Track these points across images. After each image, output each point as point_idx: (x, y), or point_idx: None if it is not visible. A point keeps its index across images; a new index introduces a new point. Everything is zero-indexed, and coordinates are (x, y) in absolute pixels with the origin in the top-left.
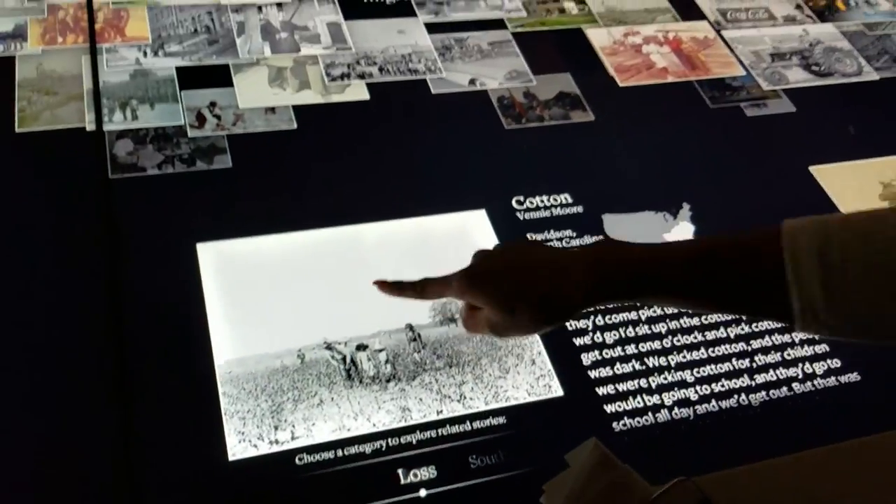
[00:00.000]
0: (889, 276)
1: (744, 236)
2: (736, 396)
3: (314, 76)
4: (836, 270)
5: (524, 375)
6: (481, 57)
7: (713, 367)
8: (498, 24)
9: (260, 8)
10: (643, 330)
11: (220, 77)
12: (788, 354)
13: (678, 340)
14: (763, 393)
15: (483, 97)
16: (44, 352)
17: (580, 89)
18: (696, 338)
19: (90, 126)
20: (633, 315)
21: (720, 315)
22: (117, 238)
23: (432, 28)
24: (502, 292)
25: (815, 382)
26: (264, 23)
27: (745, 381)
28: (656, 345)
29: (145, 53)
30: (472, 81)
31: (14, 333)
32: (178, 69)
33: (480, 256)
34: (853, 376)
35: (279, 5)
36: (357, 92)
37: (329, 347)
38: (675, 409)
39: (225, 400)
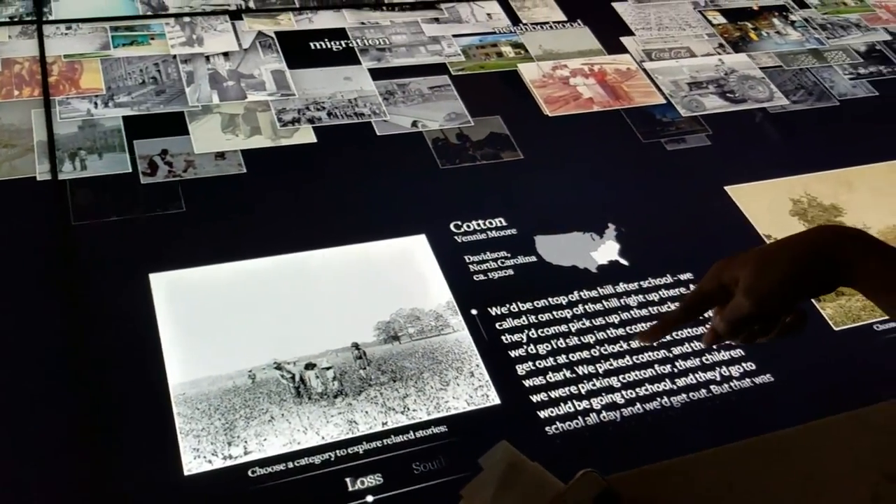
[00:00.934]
0: None
1: None
2: (659, 399)
3: (264, 122)
4: None
5: (463, 387)
6: (422, 100)
7: (638, 373)
8: (440, 69)
9: (208, 58)
10: (573, 341)
11: (172, 125)
12: (706, 359)
13: (605, 349)
14: (684, 395)
15: (422, 138)
16: (3, 382)
17: (513, 126)
18: (621, 346)
19: (41, 176)
20: (563, 328)
21: (644, 323)
22: (76, 275)
23: (376, 74)
24: (756, 254)
25: (732, 384)
26: (212, 72)
27: (667, 384)
28: (585, 354)
29: (96, 105)
30: (414, 123)
31: None
32: (129, 119)
33: None
34: (766, 377)
35: (226, 55)
36: (305, 135)
37: (279, 367)
38: (604, 412)
39: (180, 420)
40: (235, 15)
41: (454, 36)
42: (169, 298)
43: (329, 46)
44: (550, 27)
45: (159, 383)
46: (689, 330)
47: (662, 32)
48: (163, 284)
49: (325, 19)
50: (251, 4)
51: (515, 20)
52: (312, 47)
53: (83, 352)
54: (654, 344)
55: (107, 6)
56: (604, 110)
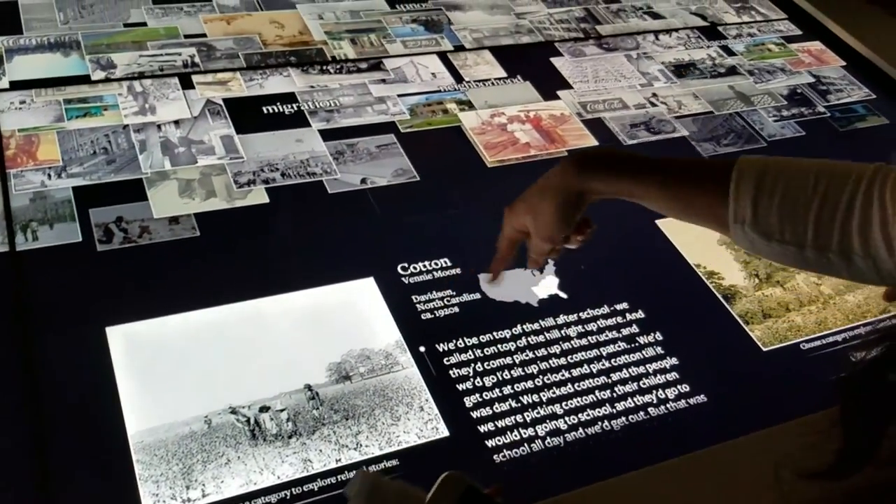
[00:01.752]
0: (794, 208)
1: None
2: (600, 423)
3: (219, 185)
4: (764, 196)
5: (414, 421)
6: (370, 159)
7: (579, 399)
8: (389, 127)
9: (159, 126)
10: (517, 372)
11: (127, 193)
12: (643, 384)
13: (548, 379)
14: (623, 419)
15: (371, 194)
16: None
17: (457, 176)
18: (563, 375)
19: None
20: (507, 360)
21: (584, 352)
22: (31, 332)
23: (326, 134)
24: (528, 199)
25: (668, 406)
26: (164, 139)
27: (607, 409)
28: (529, 384)
29: (49, 176)
30: (363, 181)
31: None
32: (82, 189)
33: None
34: (700, 398)
35: (176, 122)
36: (258, 196)
37: (234, 412)
38: (548, 438)
39: (139, 466)
40: (186, 81)
41: (400, 95)
42: (125, 350)
43: (281, 110)
44: (492, 83)
45: (118, 432)
46: (626, 356)
47: (598, 85)
48: (118, 336)
49: (275, 83)
50: (197, 60)
51: (459, 78)
52: (264, 111)
53: (41, 406)
54: (500, 283)
55: (59, 68)
56: (542, 159)
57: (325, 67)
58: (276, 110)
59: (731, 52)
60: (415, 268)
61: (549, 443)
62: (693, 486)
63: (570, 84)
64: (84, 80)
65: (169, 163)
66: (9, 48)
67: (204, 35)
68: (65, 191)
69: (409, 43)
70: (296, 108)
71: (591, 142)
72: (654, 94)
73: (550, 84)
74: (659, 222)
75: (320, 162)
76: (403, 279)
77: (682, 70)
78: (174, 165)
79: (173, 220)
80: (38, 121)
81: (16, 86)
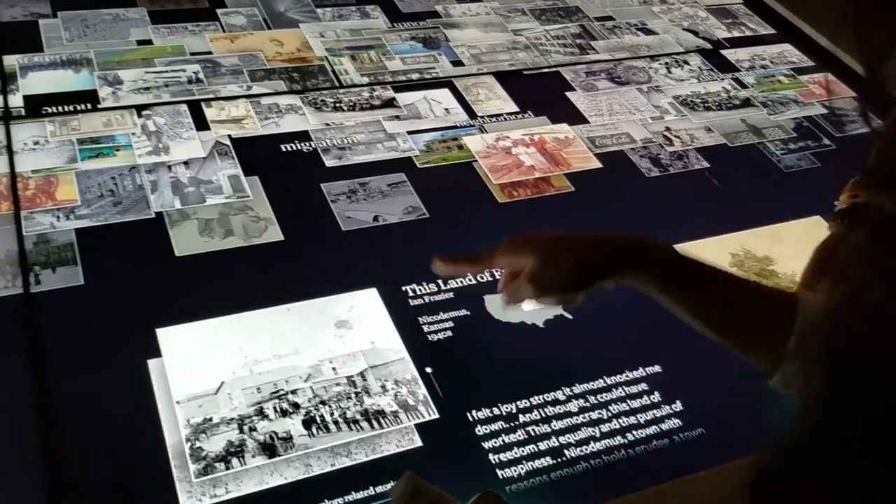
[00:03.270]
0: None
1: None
2: (608, 455)
3: (237, 224)
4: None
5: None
6: (382, 197)
7: (596, 428)
8: (405, 163)
9: (170, 167)
10: (524, 403)
11: (131, 234)
12: (648, 416)
13: (558, 409)
14: (635, 449)
15: (383, 230)
16: None
17: (468, 213)
18: (574, 406)
19: (4, 292)
20: (512, 386)
21: (598, 381)
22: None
23: (339, 172)
24: (546, 242)
25: (674, 437)
26: (174, 179)
27: (620, 439)
28: (539, 414)
29: (58, 218)
30: (375, 218)
31: None
32: (87, 231)
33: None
34: (699, 431)
35: (186, 163)
36: (273, 234)
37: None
38: (562, 469)
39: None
40: (200, 121)
41: (412, 133)
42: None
43: (298, 148)
44: (505, 118)
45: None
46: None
47: (614, 118)
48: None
49: (290, 122)
50: (202, 76)
51: (472, 113)
52: (280, 149)
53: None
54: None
55: (69, 84)
56: (553, 195)
57: (338, 105)
58: (291, 148)
59: (743, 85)
60: (420, 289)
61: (561, 473)
62: None
63: (585, 118)
64: (91, 96)
65: (178, 202)
66: (24, 65)
67: (209, 52)
68: (69, 233)
69: (408, 59)
70: (309, 147)
71: (595, 164)
72: (668, 128)
73: (566, 119)
74: (677, 246)
75: (333, 198)
76: (410, 301)
77: (694, 103)
78: (184, 205)
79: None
80: (52, 161)
81: (28, 101)
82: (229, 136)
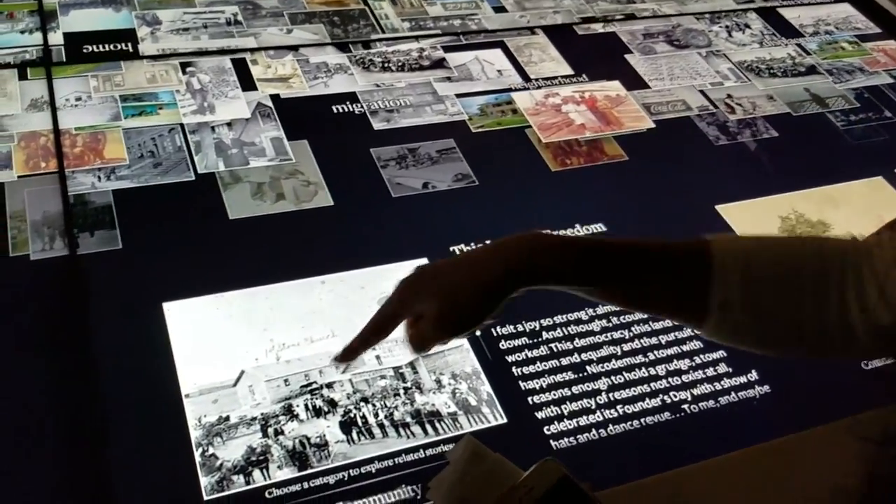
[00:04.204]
0: (786, 295)
1: (674, 242)
2: (660, 413)
3: (288, 188)
4: (754, 282)
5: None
6: (431, 164)
7: (638, 388)
8: (459, 126)
9: (213, 128)
10: (575, 358)
11: (171, 197)
12: (704, 373)
13: (606, 366)
14: (683, 408)
15: (433, 196)
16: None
17: (518, 182)
18: (622, 363)
19: (34, 255)
20: (565, 345)
21: (643, 339)
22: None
23: (387, 137)
24: (438, 279)
25: (733, 395)
26: (217, 141)
27: (666, 398)
28: (587, 371)
29: (99, 178)
30: (425, 185)
31: None
32: (126, 192)
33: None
34: (764, 389)
35: (229, 124)
36: (323, 199)
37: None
38: (611, 426)
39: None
40: (246, 81)
41: (464, 95)
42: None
43: (346, 110)
44: (559, 82)
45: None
46: (685, 345)
47: (675, 83)
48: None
49: (339, 82)
50: (240, 18)
51: (526, 76)
52: (330, 111)
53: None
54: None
55: (108, 22)
56: (605, 164)
57: (386, 64)
58: (339, 110)
59: (806, 51)
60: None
61: (611, 430)
62: (746, 483)
63: (645, 82)
64: (130, 35)
65: (222, 164)
66: (64, 3)
67: None
68: (107, 195)
69: (449, 5)
70: (357, 109)
71: (648, 124)
72: (730, 95)
73: (626, 84)
74: (720, 208)
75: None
76: None
77: (759, 69)
78: (227, 167)
79: None
80: (95, 119)
81: (68, 38)
82: (277, 95)
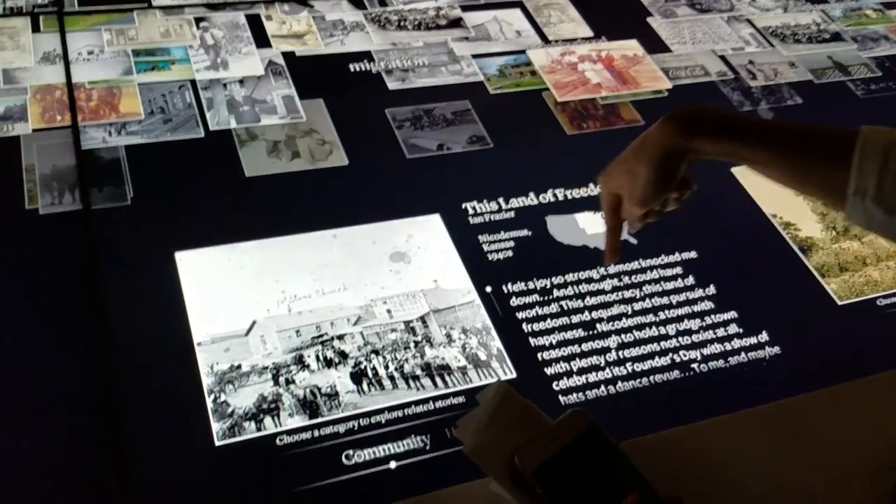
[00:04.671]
0: None
1: (829, 127)
2: (669, 371)
3: (303, 147)
4: (890, 168)
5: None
6: (447, 125)
7: (647, 346)
8: (477, 87)
9: (225, 85)
10: (585, 316)
11: (180, 154)
12: (715, 333)
13: (616, 325)
14: (694, 367)
15: (448, 159)
16: (33, 357)
17: (532, 146)
18: (632, 322)
19: (44, 209)
20: (575, 304)
21: (654, 299)
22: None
23: (402, 97)
24: (622, 168)
25: (739, 357)
26: (229, 98)
27: (676, 357)
28: (598, 329)
29: (110, 133)
30: (440, 147)
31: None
32: (137, 148)
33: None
34: (774, 350)
35: (241, 81)
36: (338, 158)
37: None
38: (619, 382)
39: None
40: (260, 37)
41: (480, 56)
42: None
43: (361, 69)
44: (580, 43)
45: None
46: (698, 305)
47: (697, 47)
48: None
49: (354, 40)
50: None
51: (545, 38)
52: (346, 69)
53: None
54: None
55: None
56: (622, 129)
57: (402, 23)
58: (354, 69)
59: (831, 18)
60: (480, 207)
61: (619, 387)
62: (763, 439)
63: (667, 46)
64: None
65: (234, 120)
66: None
67: None
68: (118, 150)
69: None
70: (372, 68)
71: (666, 84)
72: (751, 62)
73: (648, 46)
74: (735, 171)
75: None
76: (470, 219)
77: (783, 35)
78: (239, 123)
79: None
80: (108, 73)
81: None
82: (291, 52)
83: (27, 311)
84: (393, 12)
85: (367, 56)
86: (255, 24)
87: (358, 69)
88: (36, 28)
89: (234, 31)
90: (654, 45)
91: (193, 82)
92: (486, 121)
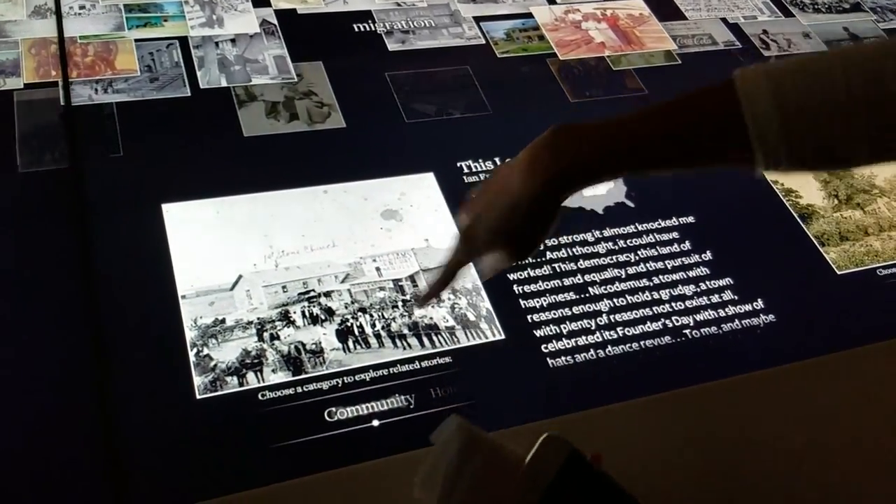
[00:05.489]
0: (837, 114)
1: (696, 90)
2: (662, 337)
3: (301, 109)
4: (791, 111)
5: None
6: (446, 90)
7: (640, 311)
8: (484, 51)
9: (217, 43)
10: (577, 279)
11: (165, 112)
12: (710, 299)
13: (609, 288)
14: (688, 333)
15: (448, 123)
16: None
17: (535, 115)
18: (625, 286)
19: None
20: (569, 266)
21: (649, 264)
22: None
23: (402, 59)
24: (485, 224)
25: (735, 323)
26: (221, 56)
27: (670, 322)
28: (589, 292)
29: (96, 91)
30: (439, 111)
31: None
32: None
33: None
34: (769, 318)
35: (233, 41)
36: (336, 121)
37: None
38: (609, 347)
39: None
40: None
41: (484, 18)
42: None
43: (370, 28)
44: (582, 2)
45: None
46: (694, 271)
47: (712, 13)
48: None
49: (360, 1)
50: None
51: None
52: (346, 29)
53: (101, 281)
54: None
55: None
56: (629, 98)
57: None
58: (358, 28)
59: None
60: (475, 166)
61: (609, 351)
62: (755, 406)
63: (682, 13)
64: None
65: (225, 80)
66: None
67: None
68: (107, 107)
69: None
70: (370, 28)
71: (671, 45)
72: (765, 31)
73: (659, 13)
74: None
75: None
76: (464, 177)
77: (803, 4)
78: (230, 83)
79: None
80: (98, 28)
81: None
82: (292, 10)
83: (14, 260)
84: None
85: (368, 16)
86: None
87: (360, 29)
88: None
89: None
90: (668, 9)
91: (182, 40)
92: (488, 86)
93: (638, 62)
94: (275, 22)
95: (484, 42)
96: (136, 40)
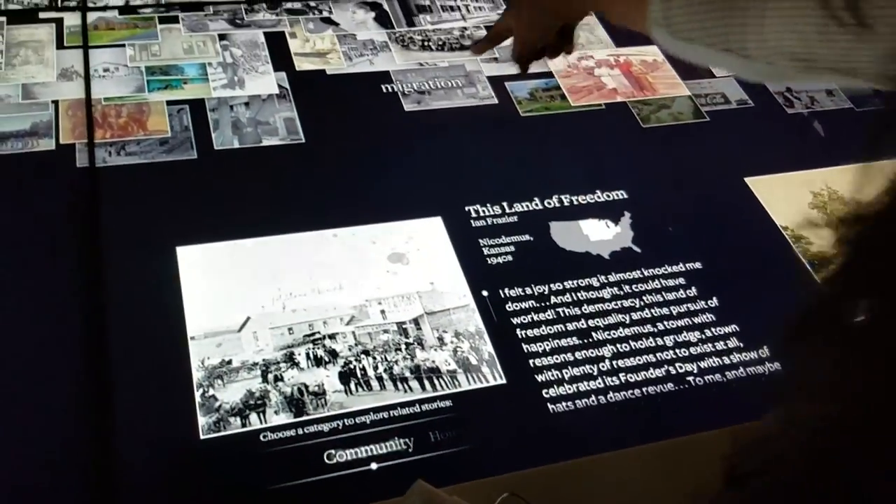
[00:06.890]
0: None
1: None
2: (665, 384)
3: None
4: None
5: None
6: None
7: (644, 357)
8: (507, 110)
9: (232, 106)
10: (582, 324)
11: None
12: (716, 346)
13: (613, 334)
14: (691, 380)
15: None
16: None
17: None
18: (630, 332)
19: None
20: (573, 311)
21: (654, 310)
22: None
23: (420, 121)
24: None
25: (739, 371)
26: (234, 119)
27: (673, 369)
28: (593, 338)
29: (110, 153)
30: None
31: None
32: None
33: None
34: (776, 366)
35: (246, 104)
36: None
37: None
38: (610, 393)
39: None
40: (278, 56)
41: (510, 78)
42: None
43: (388, 90)
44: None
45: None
46: (699, 317)
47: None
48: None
49: (380, 61)
50: None
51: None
52: (374, 90)
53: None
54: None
55: None
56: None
57: (426, 44)
58: (381, 90)
59: None
60: (483, 211)
61: (611, 397)
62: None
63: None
64: None
65: (237, 141)
66: None
67: None
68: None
69: None
70: (389, 89)
71: (684, 91)
72: (788, 88)
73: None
74: (748, 180)
75: None
76: (472, 222)
77: None
78: (241, 144)
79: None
80: (121, 90)
81: None
82: (308, 71)
83: (20, 288)
84: (418, 32)
85: (386, 77)
86: (274, 43)
87: (382, 90)
88: (60, 44)
89: (252, 49)
90: (683, 71)
91: (194, 103)
92: (504, 142)
93: (666, 119)
94: (287, 86)
95: (496, 101)
96: (168, 102)
